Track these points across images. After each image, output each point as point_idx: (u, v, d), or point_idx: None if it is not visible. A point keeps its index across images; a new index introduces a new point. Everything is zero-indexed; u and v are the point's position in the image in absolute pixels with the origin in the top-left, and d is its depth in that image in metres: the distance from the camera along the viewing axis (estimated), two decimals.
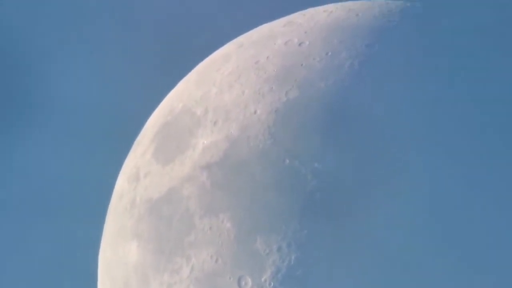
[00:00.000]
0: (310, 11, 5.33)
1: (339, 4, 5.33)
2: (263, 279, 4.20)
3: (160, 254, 4.58)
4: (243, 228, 4.27)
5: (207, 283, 4.34)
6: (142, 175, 4.96)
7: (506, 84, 4.49)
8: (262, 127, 4.46)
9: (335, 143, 4.29)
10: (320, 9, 5.30)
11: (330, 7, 5.29)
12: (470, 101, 4.37)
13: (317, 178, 4.21)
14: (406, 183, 4.13)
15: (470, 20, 4.95)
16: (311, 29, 4.94)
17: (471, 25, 4.92)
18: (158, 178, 4.77)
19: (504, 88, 4.46)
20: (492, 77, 4.51)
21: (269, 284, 4.19)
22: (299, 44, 4.84)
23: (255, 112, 4.55)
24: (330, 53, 4.68)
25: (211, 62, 5.38)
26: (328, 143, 4.29)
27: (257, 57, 4.89)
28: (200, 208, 4.45)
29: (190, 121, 4.85)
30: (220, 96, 4.81)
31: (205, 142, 4.64)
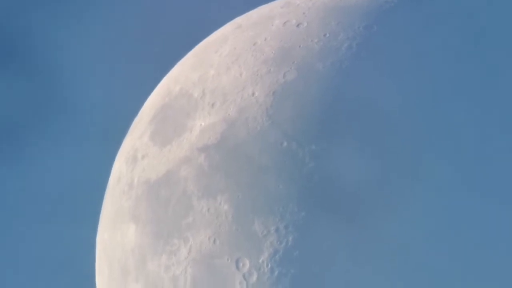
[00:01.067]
0: None
1: None
2: (260, 260, 4.21)
3: (157, 236, 4.59)
4: (241, 209, 4.28)
5: (205, 264, 4.35)
6: (139, 157, 4.95)
7: None
8: (260, 109, 4.45)
9: (333, 125, 4.28)
10: None
11: None
12: (471, 85, 4.35)
13: (315, 160, 4.21)
14: (406, 166, 4.13)
15: (469, 1, 4.92)
16: (309, 10, 4.92)
17: (471, 6, 4.89)
18: (156, 160, 4.77)
19: None
20: (495, 62, 4.49)
21: (267, 265, 4.20)
22: (297, 25, 4.81)
23: (253, 94, 4.54)
24: (328, 35, 4.66)
25: (208, 43, 5.35)
26: (325, 125, 4.29)
27: (255, 39, 4.87)
28: (198, 190, 4.45)
29: (188, 103, 4.83)
30: (218, 78, 4.79)
31: (202, 124, 4.63)
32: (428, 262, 4.03)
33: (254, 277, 4.23)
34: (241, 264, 4.26)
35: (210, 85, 4.79)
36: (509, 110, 4.27)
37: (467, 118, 4.22)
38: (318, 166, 4.20)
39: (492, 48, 4.57)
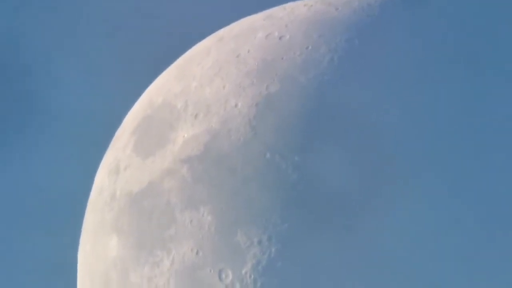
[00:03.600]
0: (291, 4, 5.34)
1: None
2: (243, 272, 4.22)
3: (140, 247, 4.58)
4: (224, 221, 4.28)
5: (187, 276, 4.35)
6: (122, 169, 4.94)
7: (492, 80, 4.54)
8: (243, 120, 4.47)
9: (316, 137, 4.31)
10: (300, 3, 5.32)
11: (310, 1, 5.31)
12: (455, 98, 4.41)
13: (298, 172, 4.23)
14: (390, 176, 4.17)
15: (450, 13, 4.99)
16: (292, 23, 4.96)
17: (451, 18, 4.97)
18: (139, 171, 4.76)
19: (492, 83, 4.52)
20: (473, 73, 4.56)
21: (250, 276, 4.21)
22: (280, 38, 4.85)
23: (236, 106, 4.56)
24: (310, 47, 4.70)
25: (191, 55, 5.37)
26: (308, 137, 4.32)
27: (238, 51, 4.90)
28: (181, 201, 4.45)
29: (170, 114, 4.84)
30: (201, 89, 4.81)
31: (185, 135, 4.64)
32: (417, 271, 4.06)
33: None
34: (224, 275, 4.27)
35: (193, 96, 4.81)
36: (497, 115, 4.34)
37: (452, 126, 4.28)
38: (301, 177, 4.22)
39: (476, 63, 4.64)
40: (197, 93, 4.82)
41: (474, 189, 4.14)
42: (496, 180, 4.18)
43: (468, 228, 4.08)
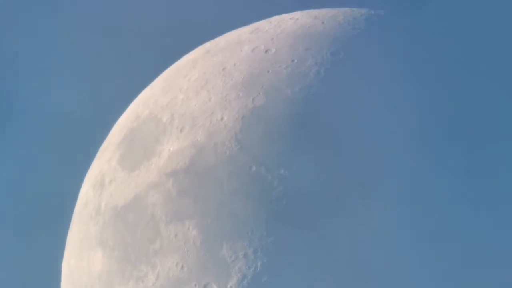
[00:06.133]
0: (277, 18, 5.36)
1: (305, 12, 5.37)
2: (229, 286, 4.19)
3: (125, 261, 4.54)
4: (209, 235, 4.26)
5: None
6: (107, 182, 4.91)
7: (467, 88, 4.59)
8: (229, 133, 4.46)
9: (301, 150, 4.31)
10: (286, 16, 5.34)
11: (296, 14, 5.33)
12: (436, 106, 4.44)
13: (284, 185, 4.22)
14: (372, 190, 4.18)
15: (433, 27, 5.03)
16: (278, 36, 4.97)
17: (433, 32, 5.01)
18: (124, 185, 4.73)
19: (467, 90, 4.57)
20: (456, 83, 4.61)
21: None
22: (266, 51, 4.86)
23: (221, 119, 4.55)
24: (296, 60, 4.71)
25: (177, 68, 5.37)
26: (294, 150, 4.31)
27: (224, 64, 4.90)
28: (166, 215, 4.42)
29: (156, 127, 4.82)
30: (187, 102, 4.80)
31: (171, 149, 4.62)
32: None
33: None
34: None
35: (179, 109, 4.80)
36: (465, 126, 4.40)
37: (429, 140, 4.31)
38: (287, 190, 4.21)
39: (457, 75, 4.68)
40: (183, 106, 4.80)
41: (443, 193, 4.19)
42: (469, 185, 4.24)
43: (428, 233, 4.12)
